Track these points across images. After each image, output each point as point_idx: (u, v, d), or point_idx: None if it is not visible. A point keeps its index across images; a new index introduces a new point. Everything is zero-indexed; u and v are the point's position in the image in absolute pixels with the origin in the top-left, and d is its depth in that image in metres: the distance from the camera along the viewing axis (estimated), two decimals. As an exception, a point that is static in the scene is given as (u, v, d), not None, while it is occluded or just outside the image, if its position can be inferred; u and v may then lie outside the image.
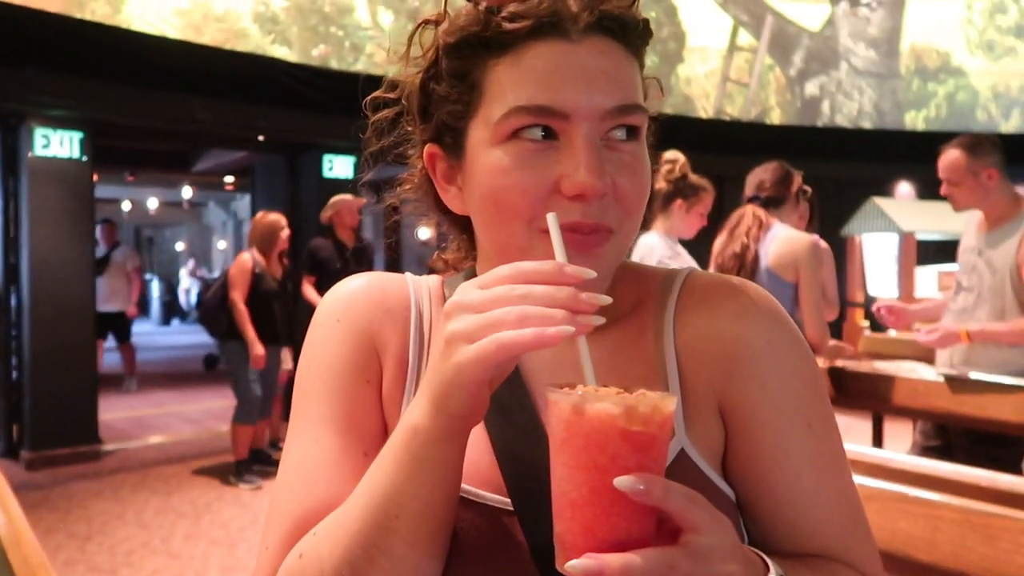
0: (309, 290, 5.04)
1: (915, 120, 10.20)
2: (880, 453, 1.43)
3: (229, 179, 10.83)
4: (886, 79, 9.94)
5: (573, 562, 0.46)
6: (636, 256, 3.00)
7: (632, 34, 0.65)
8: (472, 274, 0.75)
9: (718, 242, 3.02)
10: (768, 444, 0.64)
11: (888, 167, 9.80)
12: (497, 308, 0.51)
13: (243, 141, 6.63)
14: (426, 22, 0.70)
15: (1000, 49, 10.51)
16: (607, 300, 0.52)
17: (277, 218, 4.87)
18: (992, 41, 10.49)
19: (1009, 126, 10.56)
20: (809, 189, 3.20)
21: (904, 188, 10.36)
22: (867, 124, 9.90)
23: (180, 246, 20.22)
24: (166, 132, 6.47)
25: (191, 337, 13.65)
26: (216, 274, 18.09)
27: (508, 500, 0.63)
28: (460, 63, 0.65)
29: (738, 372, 0.65)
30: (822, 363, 2.99)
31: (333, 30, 6.33)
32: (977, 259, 2.78)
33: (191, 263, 17.79)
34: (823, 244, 2.93)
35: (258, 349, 4.58)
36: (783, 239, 2.84)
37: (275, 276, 4.83)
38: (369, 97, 0.76)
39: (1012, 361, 2.65)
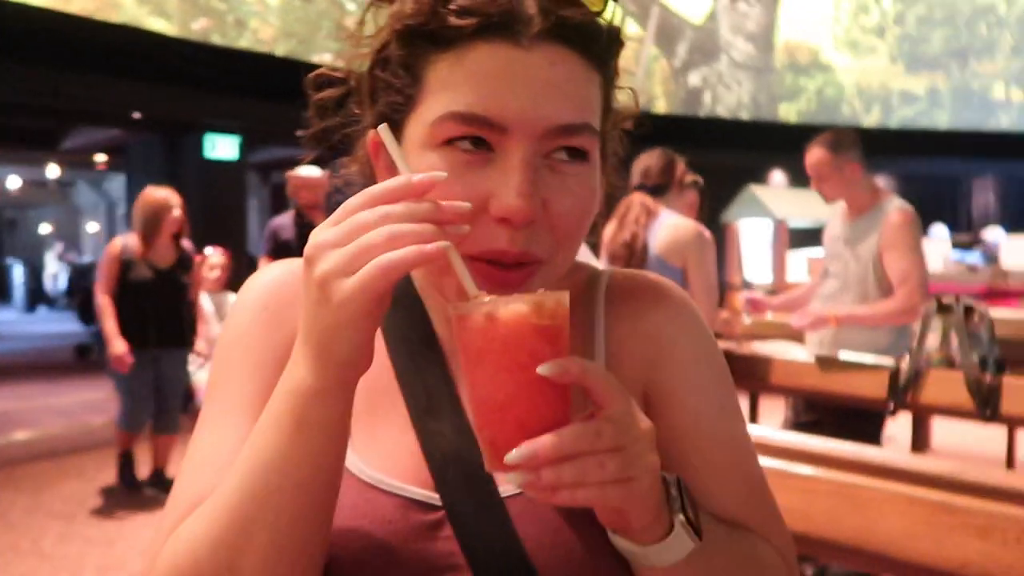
0: None
1: (788, 112, 10.80)
2: (760, 431, 1.53)
3: (101, 158, 10.17)
4: (762, 72, 10.47)
5: (511, 453, 0.47)
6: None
7: (594, 45, 0.59)
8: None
9: (608, 230, 3.11)
10: (686, 425, 0.67)
11: (763, 157, 10.35)
12: (361, 235, 0.49)
13: (116, 119, 6.25)
14: (378, 3, 0.63)
15: (863, 48, 11.27)
16: (466, 206, 0.51)
17: (165, 196, 4.11)
18: (856, 40, 11.23)
19: (870, 120, 11.35)
20: (700, 179, 3.34)
21: (778, 177, 10.97)
22: (745, 115, 10.40)
23: (46, 228, 18.88)
24: (30, 107, 6.01)
25: (60, 325, 12.77)
26: (87, 259, 17.04)
27: (436, 495, 0.63)
28: (406, 52, 0.59)
29: (660, 361, 0.68)
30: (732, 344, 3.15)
31: (215, 3, 6.05)
32: (843, 247, 2.99)
33: (59, 247, 16.65)
34: (707, 233, 3.06)
35: (115, 347, 3.84)
36: (670, 227, 2.95)
37: (158, 264, 4.06)
38: (312, 74, 0.68)
39: (875, 341, 2.88)
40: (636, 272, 0.74)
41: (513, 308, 0.49)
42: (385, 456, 0.65)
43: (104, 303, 3.93)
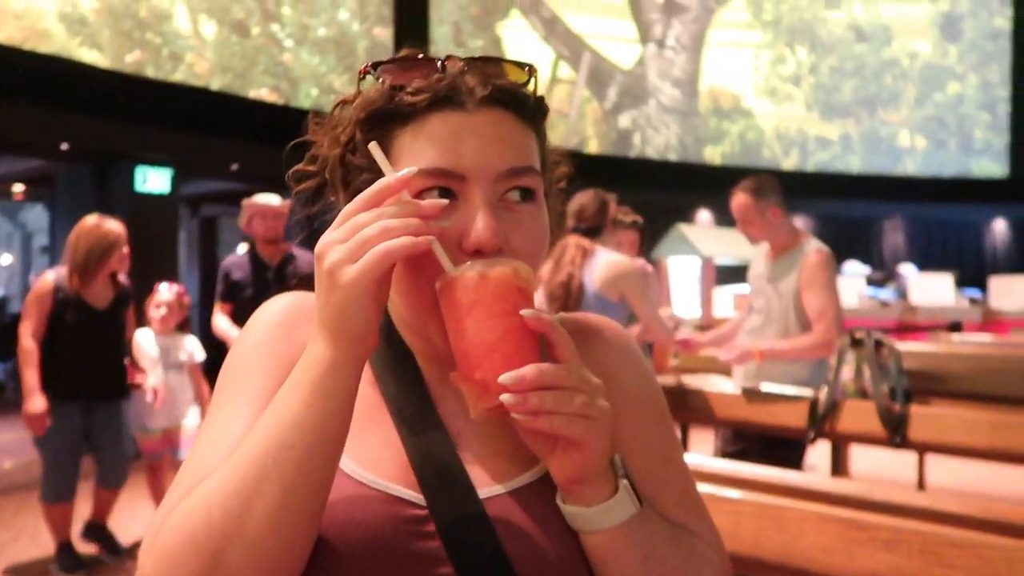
0: (222, 321, 3.74)
1: (713, 154, 11.25)
2: (692, 458, 1.63)
3: (19, 187, 9.80)
4: (688, 116, 10.90)
5: (505, 375, 0.59)
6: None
7: (525, 107, 0.71)
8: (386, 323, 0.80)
9: (546, 270, 3.21)
10: (627, 437, 0.76)
11: (691, 196, 10.73)
12: (360, 231, 0.60)
13: (43, 149, 6.09)
14: (343, 102, 0.75)
15: (781, 95, 11.88)
16: (444, 202, 0.63)
17: (114, 228, 3.42)
18: (775, 88, 11.83)
19: (789, 163, 11.92)
20: (640, 219, 3.53)
21: (704, 216, 11.37)
22: (673, 156, 10.79)
23: (-46, 260, 17.92)
24: (-51, 136, 5.80)
25: (-32, 363, 12.14)
26: (0, 292, 16.21)
27: (421, 497, 0.69)
28: (372, 134, 0.70)
29: (607, 388, 0.75)
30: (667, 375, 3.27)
31: (150, 36, 5.99)
32: (766, 284, 3.17)
33: (-32, 279, 15.81)
34: (649, 269, 3.21)
35: (32, 404, 3.20)
36: (606, 264, 3.07)
37: (94, 305, 3.40)
38: (292, 170, 0.79)
39: (795, 374, 3.05)
40: (581, 314, 0.84)
41: (500, 269, 0.62)
42: (375, 461, 0.71)
43: (29, 349, 3.30)
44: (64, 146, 5.87)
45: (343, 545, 0.67)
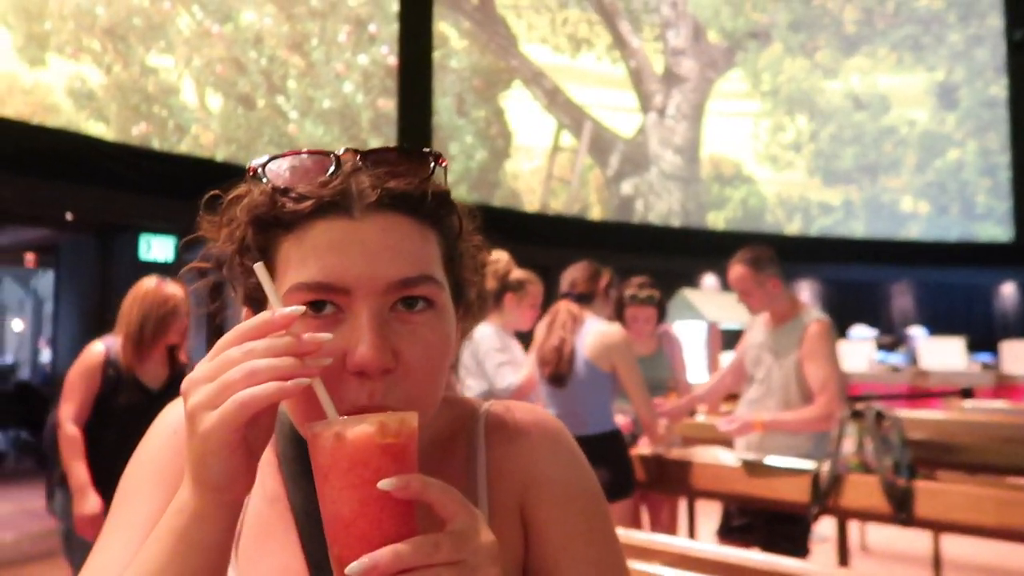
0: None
1: (716, 220, 11.31)
2: (680, 542, 1.55)
3: (29, 256, 9.92)
4: (690, 183, 11.00)
5: (352, 565, 0.50)
6: (469, 344, 3.10)
7: (420, 207, 0.65)
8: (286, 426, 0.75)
9: (538, 335, 3.19)
10: (555, 545, 0.72)
11: (694, 262, 10.74)
12: (226, 371, 0.53)
13: (49, 219, 6.17)
14: (236, 198, 0.69)
15: (782, 162, 12.01)
16: (327, 337, 0.55)
17: (175, 292, 2.91)
18: (775, 155, 11.97)
19: (792, 228, 11.96)
20: (657, 293, 3.57)
21: (709, 280, 11.36)
22: (675, 222, 10.84)
23: (-37, 327, 18.01)
24: (-43, 207, 5.89)
25: (-31, 431, 12.06)
26: (8, 359, 16.24)
27: None
28: (260, 238, 0.66)
29: (534, 490, 0.73)
30: (647, 449, 3.19)
31: (156, 109, 6.13)
32: (766, 354, 3.12)
33: (-24, 346, 15.87)
34: (673, 334, 3.20)
35: (87, 505, 2.62)
36: (596, 333, 3.05)
37: (149, 385, 2.84)
38: (185, 268, 0.75)
39: (799, 445, 2.97)
40: (512, 404, 0.79)
41: (359, 428, 0.53)
42: None
43: (74, 437, 2.73)
44: (68, 216, 5.94)
45: None
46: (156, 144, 6.14)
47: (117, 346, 2.82)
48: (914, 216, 12.76)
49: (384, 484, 0.51)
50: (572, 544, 0.72)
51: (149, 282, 2.92)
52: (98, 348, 2.82)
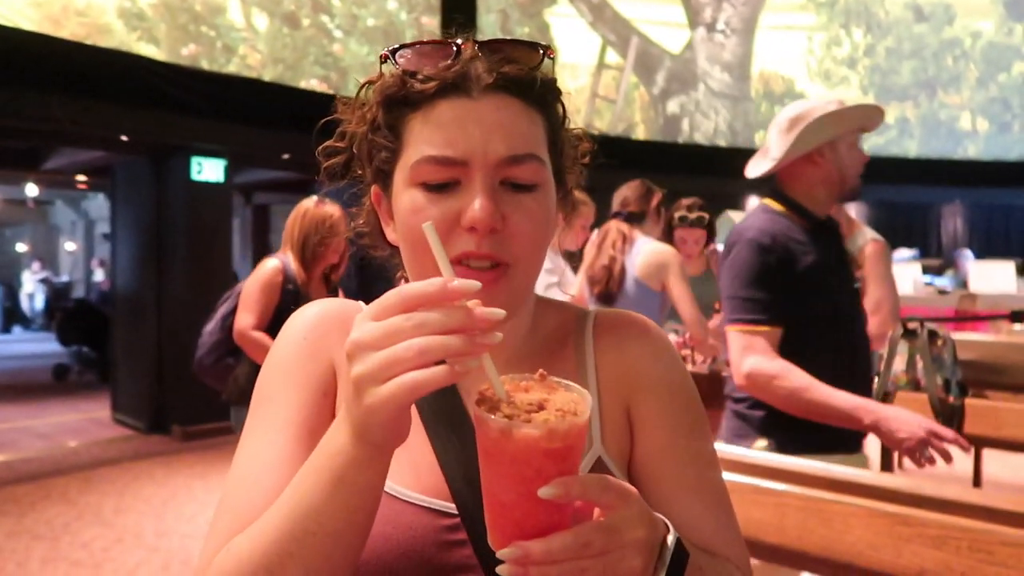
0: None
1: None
2: (737, 450, 1.62)
3: (81, 177, 10.15)
4: (738, 101, 10.70)
5: (503, 551, 0.55)
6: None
7: (530, 92, 0.73)
8: None
9: (588, 255, 3.23)
10: (661, 445, 0.78)
11: (740, 183, 10.52)
12: (394, 342, 0.53)
13: (104, 141, 6.29)
14: (368, 82, 0.78)
15: (835, 78, 11.57)
16: (501, 314, 0.54)
17: (332, 212, 2.96)
18: (829, 70, 11.53)
19: (844, 148, 11.61)
20: (707, 215, 3.57)
21: (754, 202, 11.17)
22: (722, 142, 10.61)
23: (22, 247, 18.66)
24: (17, 130, 6.04)
25: (37, 346, 12.66)
26: (64, 278, 16.84)
27: (452, 505, 0.71)
28: (389, 116, 0.74)
29: (640, 388, 0.80)
30: (699, 367, 3.25)
31: (204, 30, 6.13)
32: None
33: (35, 265, 16.46)
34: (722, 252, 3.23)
35: None
36: (648, 252, 3.07)
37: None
38: (321, 147, 0.83)
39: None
40: (619, 311, 0.86)
41: (526, 432, 0.53)
42: (407, 473, 0.74)
43: (261, 341, 2.78)
44: (123, 138, 6.05)
45: (374, 560, 0.69)
46: (205, 65, 6.17)
47: (289, 262, 2.90)
48: (972, 134, 12.28)
49: (544, 493, 0.53)
50: (676, 439, 0.78)
51: (308, 202, 2.96)
52: (273, 263, 2.88)
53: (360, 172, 0.81)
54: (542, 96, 0.75)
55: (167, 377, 6.49)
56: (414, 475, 0.74)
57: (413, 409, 0.75)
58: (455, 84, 0.71)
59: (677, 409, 0.80)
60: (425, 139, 0.71)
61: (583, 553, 0.54)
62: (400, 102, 0.73)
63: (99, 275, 14.39)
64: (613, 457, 0.77)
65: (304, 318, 0.82)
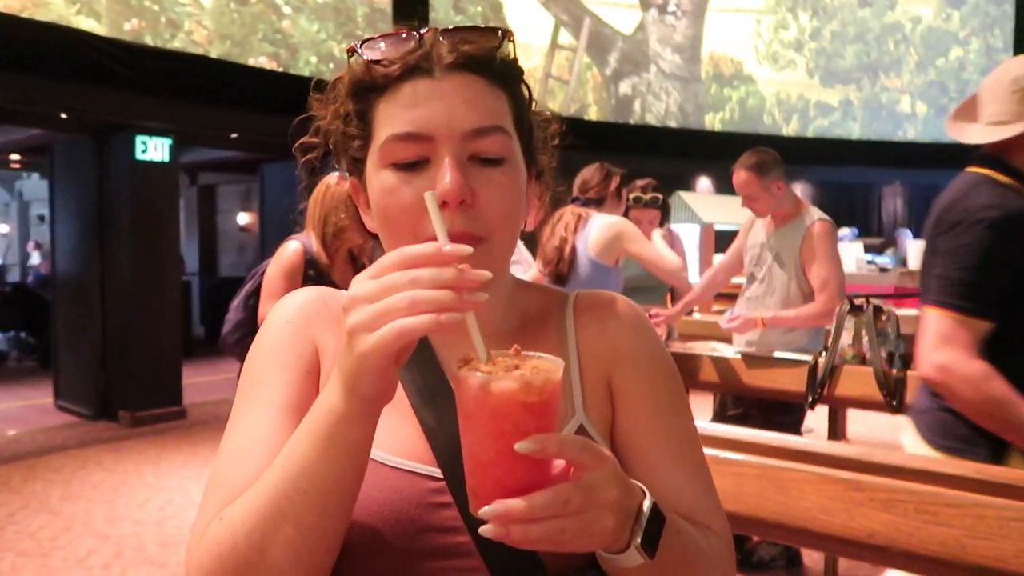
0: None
1: (713, 121, 11.19)
2: (696, 423, 1.67)
3: (15, 157, 9.77)
4: (689, 83, 10.82)
5: (485, 508, 0.56)
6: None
7: (492, 70, 0.75)
8: None
9: (544, 235, 3.26)
10: (642, 416, 0.80)
11: (691, 163, 10.69)
12: (389, 296, 0.56)
13: (41, 119, 6.06)
14: (339, 79, 0.80)
15: (783, 61, 11.79)
16: (488, 275, 0.57)
17: None
18: (776, 53, 11.74)
19: (789, 130, 11.87)
20: (660, 196, 3.62)
21: (704, 183, 11.35)
22: (673, 123, 10.74)
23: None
24: (-53, 106, 5.77)
25: (-29, 332, 12.19)
26: (-3, 261, 16.18)
27: (436, 469, 0.73)
28: (358, 105, 0.77)
29: (621, 361, 0.82)
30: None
31: (147, 4, 5.93)
32: (767, 253, 3.20)
33: (-33, 249, 15.79)
34: (675, 233, 3.29)
35: None
36: (599, 227, 3.10)
37: (341, 287, 2.05)
38: (297, 144, 0.85)
39: (794, 340, 3.10)
40: (599, 291, 0.89)
41: (503, 384, 0.55)
42: (391, 439, 0.75)
43: None
44: (63, 115, 5.83)
45: (361, 524, 0.71)
46: (149, 40, 5.97)
47: (312, 244, 2.72)
48: (912, 117, 12.66)
49: (521, 447, 0.55)
50: (658, 414, 0.81)
51: (330, 178, 2.73)
52: (294, 246, 2.72)
53: (336, 165, 0.83)
54: (503, 74, 0.77)
55: (112, 362, 6.33)
56: (399, 443, 0.75)
57: (399, 384, 0.77)
58: (418, 66, 0.73)
59: (657, 381, 0.82)
60: (391, 120, 0.73)
61: (563, 510, 0.56)
62: (367, 89, 0.75)
63: (36, 258, 13.89)
64: (595, 426, 0.79)
65: (288, 305, 0.84)
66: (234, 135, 6.76)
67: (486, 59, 0.75)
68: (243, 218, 12.06)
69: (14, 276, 15.13)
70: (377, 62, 0.75)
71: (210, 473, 0.74)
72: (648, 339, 0.85)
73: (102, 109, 5.81)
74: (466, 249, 0.58)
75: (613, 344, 0.83)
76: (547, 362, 0.59)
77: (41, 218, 14.64)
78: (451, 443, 0.73)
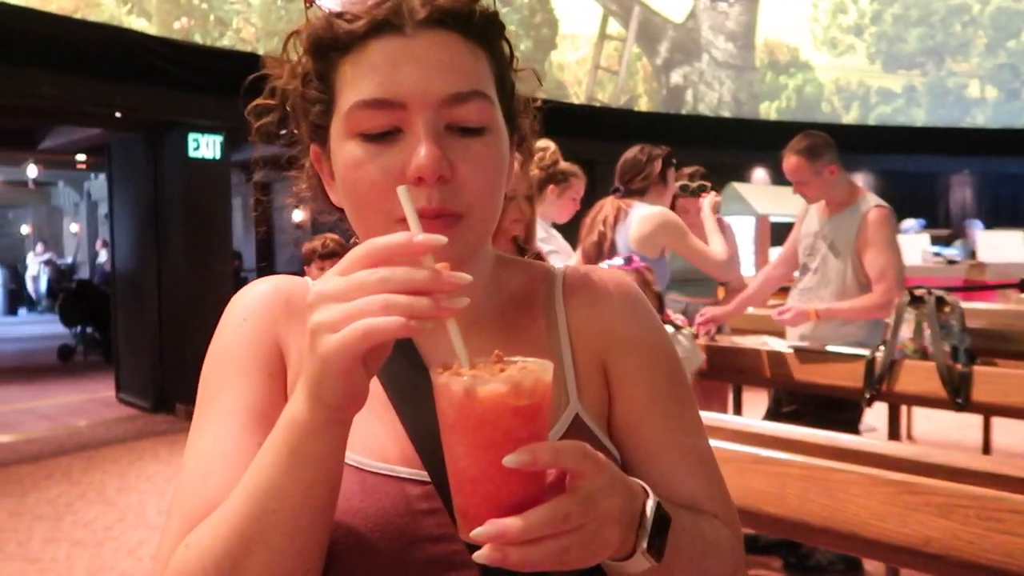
0: None
1: (768, 110, 10.90)
2: (737, 420, 1.58)
3: (81, 157, 10.10)
4: (743, 71, 10.56)
5: (478, 530, 0.50)
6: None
7: (471, 26, 0.66)
8: None
9: (583, 230, 3.15)
10: (641, 403, 0.74)
11: (745, 154, 10.43)
12: (359, 296, 0.51)
13: (97, 118, 6.21)
14: (295, 33, 0.71)
15: (842, 46, 11.40)
16: (467, 279, 0.51)
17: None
18: (835, 38, 11.36)
19: (849, 117, 11.48)
20: (708, 184, 3.46)
21: (759, 174, 11.06)
22: (726, 113, 10.49)
23: (26, 229, 18.65)
24: (9, 108, 5.97)
25: (42, 327, 12.69)
26: (69, 259, 16.84)
27: (423, 473, 0.67)
28: (319, 65, 0.68)
29: (615, 346, 0.75)
30: (702, 340, 3.17)
31: (197, 2, 6.04)
32: (820, 242, 3.05)
33: (39, 247, 16.46)
34: (726, 224, 3.17)
35: None
36: (639, 219, 2.95)
37: None
38: (251, 106, 0.76)
39: (851, 333, 2.95)
40: (589, 267, 0.81)
41: (491, 388, 0.50)
42: (375, 446, 0.69)
43: None
44: (117, 114, 5.97)
45: (347, 536, 0.65)
46: (199, 39, 6.08)
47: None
48: (981, 102, 12.11)
49: (510, 461, 0.49)
50: (656, 400, 0.74)
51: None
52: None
53: (296, 132, 0.74)
54: (483, 30, 0.68)
55: (169, 356, 6.47)
56: (379, 446, 0.69)
57: (377, 384, 0.71)
58: (387, 21, 0.64)
59: (655, 366, 0.76)
60: (357, 84, 0.65)
61: (564, 526, 0.51)
62: (329, 47, 0.67)
63: (103, 256, 14.39)
64: (591, 414, 0.73)
65: (244, 299, 0.76)
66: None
67: (463, 13, 0.66)
68: (298, 215, 12.25)
69: (84, 274, 15.69)
70: (340, 15, 0.66)
71: (174, 491, 0.68)
72: (644, 320, 0.77)
73: (154, 107, 5.93)
74: (439, 239, 0.51)
75: (607, 327, 0.76)
76: (535, 363, 0.53)
77: (106, 217, 15.15)
78: (436, 442, 0.67)
